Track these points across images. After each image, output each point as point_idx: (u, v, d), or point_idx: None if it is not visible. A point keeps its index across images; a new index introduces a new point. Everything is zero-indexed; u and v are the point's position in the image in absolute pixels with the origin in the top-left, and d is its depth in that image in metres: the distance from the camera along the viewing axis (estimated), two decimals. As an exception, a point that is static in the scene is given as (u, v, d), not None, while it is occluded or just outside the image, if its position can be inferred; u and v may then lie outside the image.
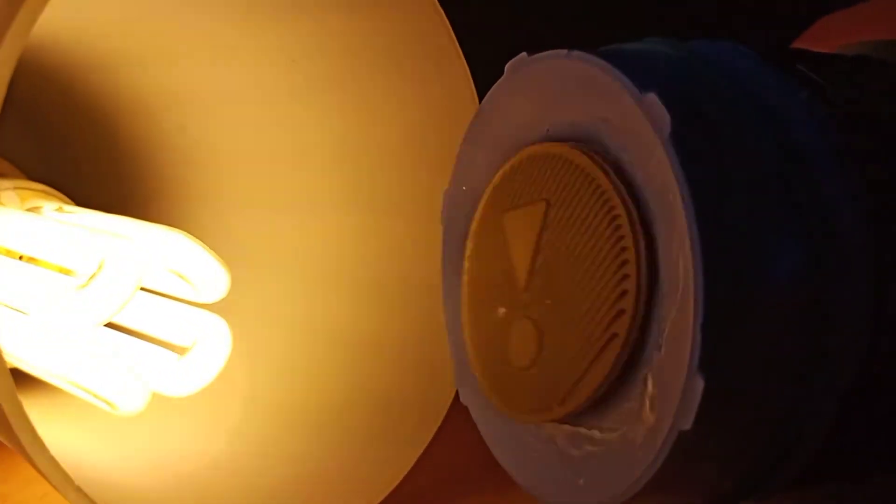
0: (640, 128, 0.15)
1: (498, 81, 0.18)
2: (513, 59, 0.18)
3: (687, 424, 0.14)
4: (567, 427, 0.17)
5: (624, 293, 0.15)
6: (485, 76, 0.21)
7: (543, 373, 0.16)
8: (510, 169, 0.18)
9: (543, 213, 0.17)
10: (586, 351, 0.16)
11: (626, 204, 0.15)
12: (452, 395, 0.25)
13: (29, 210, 0.26)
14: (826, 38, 0.23)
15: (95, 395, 0.23)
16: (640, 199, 0.15)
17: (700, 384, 0.14)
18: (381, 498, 0.24)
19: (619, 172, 0.16)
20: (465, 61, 0.24)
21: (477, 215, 0.18)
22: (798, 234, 0.15)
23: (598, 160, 0.16)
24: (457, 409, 0.25)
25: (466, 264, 0.19)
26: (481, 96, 0.19)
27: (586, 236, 0.16)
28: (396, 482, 0.25)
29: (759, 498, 0.16)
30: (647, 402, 0.15)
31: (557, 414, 0.16)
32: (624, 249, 0.15)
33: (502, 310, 0.17)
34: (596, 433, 0.16)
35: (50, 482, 0.19)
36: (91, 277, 0.22)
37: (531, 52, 0.17)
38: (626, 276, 0.15)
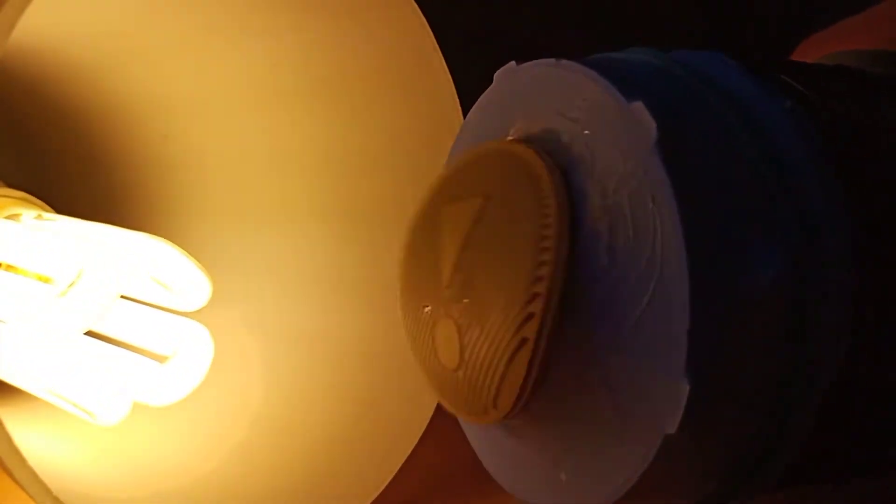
0: (624, 136, 0.15)
1: (487, 90, 0.18)
2: (501, 68, 0.18)
3: (672, 428, 0.14)
4: (542, 423, 0.16)
5: (535, 296, 0.15)
6: (468, 85, 0.21)
7: (469, 375, 0.16)
8: (462, 163, 0.17)
9: (479, 207, 0.16)
10: (500, 355, 0.15)
11: (561, 206, 0.15)
12: (436, 402, 0.25)
13: (8, 218, 0.26)
14: (808, 54, 0.23)
15: (75, 405, 0.23)
16: (585, 206, 0.15)
17: (685, 389, 0.14)
18: (367, 503, 0.24)
19: (566, 175, 0.15)
20: (447, 70, 0.24)
21: (419, 207, 0.18)
22: (781, 241, 0.15)
23: (545, 157, 0.16)
24: (441, 414, 0.25)
25: (401, 255, 0.18)
26: (465, 106, 0.19)
27: (513, 234, 0.15)
28: (381, 487, 0.25)
29: (743, 499, 0.17)
30: (622, 405, 0.15)
31: (495, 417, 0.16)
32: (545, 250, 0.15)
33: (427, 307, 0.17)
34: (570, 431, 0.16)
35: (27, 492, 0.19)
36: (70, 285, 0.22)
37: (518, 61, 0.17)
38: (539, 279, 0.15)
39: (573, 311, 0.15)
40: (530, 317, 0.15)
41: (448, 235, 0.17)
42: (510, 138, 0.17)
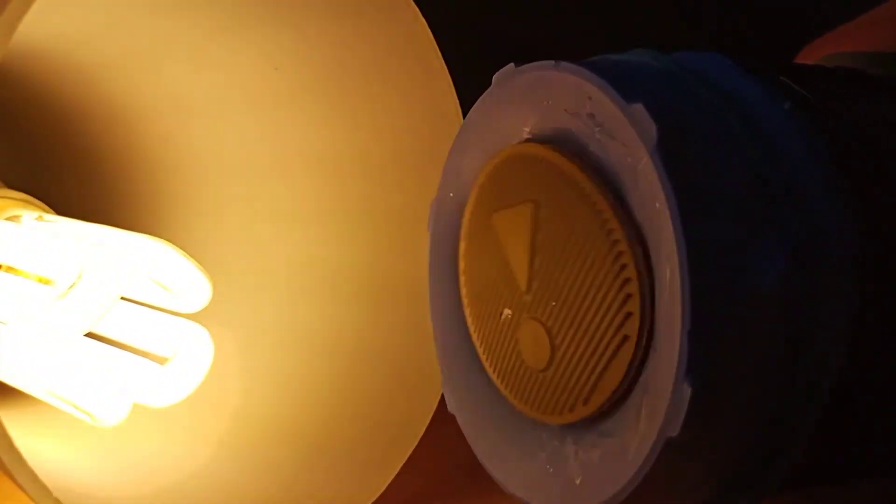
0: (626, 138, 0.15)
1: (486, 92, 0.18)
2: (500, 70, 0.18)
3: (675, 431, 0.14)
4: (577, 430, 0.17)
5: (629, 296, 0.15)
6: (468, 86, 0.21)
7: (561, 373, 0.17)
8: (493, 169, 0.18)
9: (533, 213, 0.17)
10: (600, 353, 0.16)
11: (615, 208, 0.15)
12: (436, 402, 0.25)
13: (8, 219, 0.26)
14: (808, 58, 0.23)
15: (75, 407, 0.23)
16: (626, 203, 0.15)
17: (687, 391, 0.14)
18: (367, 504, 0.24)
19: (601, 175, 0.16)
20: (447, 71, 0.24)
21: (466, 215, 0.19)
22: (782, 242, 0.15)
23: (578, 163, 0.16)
24: (439, 418, 0.25)
25: (462, 264, 0.19)
26: (464, 106, 0.19)
27: (580, 239, 0.16)
28: (379, 491, 0.25)
29: (746, 502, 0.17)
30: (643, 407, 0.15)
31: (582, 413, 0.16)
32: (621, 254, 0.15)
33: (507, 311, 0.18)
34: (596, 435, 0.16)
35: (27, 494, 0.19)
36: (70, 287, 0.22)
37: (517, 62, 0.17)
38: (627, 280, 0.15)
39: (653, 310, 0.15)
40: (629, 315, 0.15)
41: (509, 243, 0.17)
42: (526, 139, 0.17)
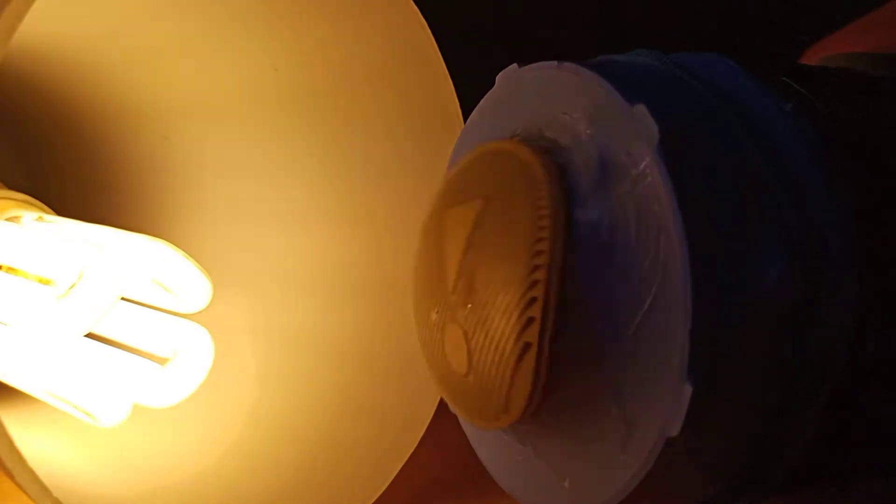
0: (626, 139, 0.15)
1: (489, 92, 0.18)
2: (503, 70, 0.18)
3: (674, 431, 0.14)
4: (546, 428, 0.16)
5: (533, 300, 0.15)
6: (470, 88, 0.21)
7: (479, 380, 0.16)
8: (464, 165, 0.17)
9: (479, 210, 0.16)
10: (507, 360, 0.15)
11: (556, 207, 0.15)
12: (436, 402, 0.25)
13: (8, 220, 0.26)
14: (811, 59, 0.23)
15: (76, 407, 0.23)
16: (585, 206, 0.15)
17: (688, 391, 0.14)
18: (367, 506, 0.24)
19: (566, 176, 0.15)
20: (448, 73, 0.24)
21: (427, 212, 0.18)
22: (784, 243, 0.15)
23: (544, 158, 0.15)
24: (441, 417, 0.25)
25: (413, 263, 0.18)
26: (464, 107, 0.19)
27: (510, 236, 0.15)
28: (381, 491, 0.24)
29: (746, 502, 0.17)
30: (625, 408, 0.15)
31: (505, 422, 0.16)
32: (540, 253, 0.15)
33: (435, 313, 0.17)
34: (574, 435, 0.16)
35: (27, 493, 0.19)
36: (70, 287, 0.22)
37: (521, 63, 0.17)
38: (535, 283, 0.15)
39: (575, 314, 0.15)
40: (531, 321, 0.15)
41: (451, 240, 0.17)
42: (509, 139, 0.17)
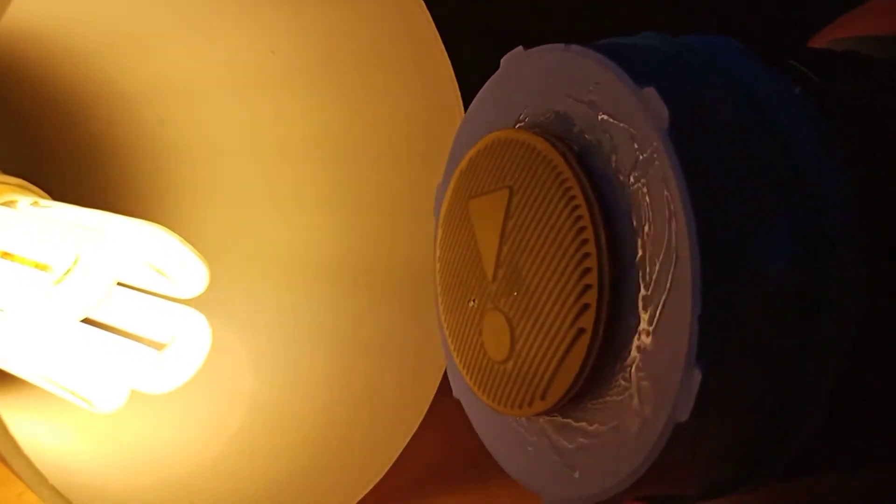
0: (634, 122, 0.15)
1: (493, 75, 0.18)
2: (508, 53, 0.18)
3: (684, 416, 0.14)
4: (558, 419, 0.16)
5: (587, 287, 0.15)
6: (469, 73, 0.20)
7: (520, 367, 0.16)
8: (476, 154, 0.17)
9: (507, 200, 0.16)
10: (556, 345, 0.16)
11: (588, 196, 0.15)
12: (435, 389, 0.25)
13: (4, 204, 0.26)
14: (818, 43, 0.23)
15: (72, 393, 0.23)
16: (607, 192, 0.15)
17: (698, 377, 0.14)
18: (364, 493, 0.24)
19: (584, 162, 0.15)
20: (447, 56, 0.24)
21: (445, 201, 0.18)
22: (792, 227, 0.15)
23: (559, 146, 0.16)
24: (440, 404, 0.25)
25: (438, 252, 0.18)
26: (465, 92, 0.19)
27: (547, 227, 0.16)
28: (379, 477, 0.24)
29: (752, 487, 0.16)
30: (637, 395, 0.15)
31: (540, 408, 0.16)
32: (585, 242, 0.15)
33: (473, 301, 0.17)
34: (585, 425, 0.16)
35: (23, 480, 0.18)
36: (66, 272, 0.22)
37: (526, 45, 0.17)
38: (587, 270, 0.15)
39: (619, 300, 0.15)
40: (585, 307, 0.15)
41: (482, 230, 0.17)
42: (519, 125, 0.17)
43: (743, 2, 0.36)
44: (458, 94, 0.24)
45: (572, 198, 0.15)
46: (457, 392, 0.19)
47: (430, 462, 0.26)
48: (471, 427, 0.19)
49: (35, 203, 0.26)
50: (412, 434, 0.25)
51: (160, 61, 0.27)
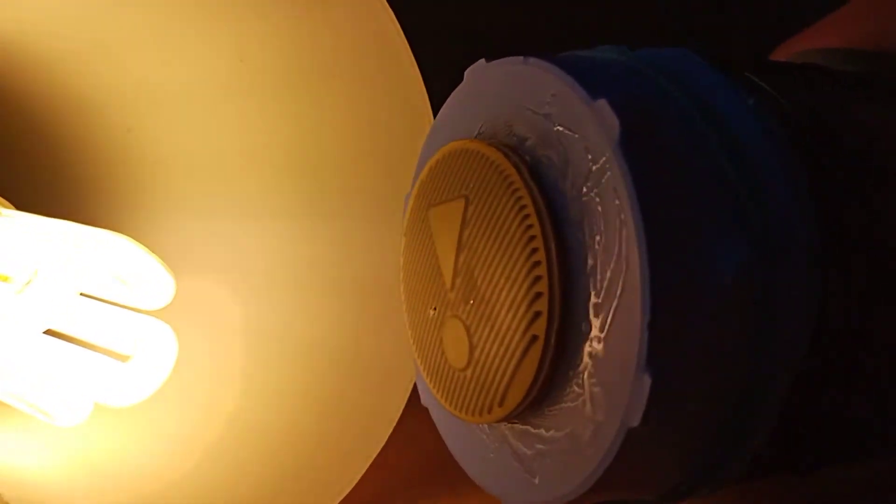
0: (588, 134, 0.15)
1: (457, 87, 0.18)
2: (472, 66, 0.18)
3: (635, 422, 0.14)
4: (517, 426, 0.17)
5: (539, 295, 0.15)
6: (440, 83, 0.20)
7: (478, 374, 0.17)
8: (435, 163, 0.18)
9: (463, 209, 0.17)
10: (511, 353, 0.16)
11: (539, 206, 0.15)
12: (405, 399, 0.25)
13: (-37, 214, 0.25)
14: (781, 55, 0.23)
15: (33, 407, 0.23)
16: (559, 203, 0.15)
17: (647, 382, 0.14)
18: (336, 503, 0.24)
19: (536, 173, 0.16)
20: (416, 65, 0.24)
21: (407, 211, 0.19)
22: (742, 234, 0.15)
23: (512, 157, 0.16)
24: (411, 413, 0.24)
25: (401, 261, 0.19)
26: (436, 103, 0.19)
27: (500, 236, 0.16)
28: (349, 488, 0.24)
29: (710, 491, 0.17)
30: (590, 401, 0.15)
31: (499, 415, 0.16)
32: (535, 251, 0.15)
33: (434, 309, 0.18)
34: (543, 431, 0.16)
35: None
36: (26, 284, 0.22)
37: (489, 58, 0.17)
38: (538, 278, 0.15)
39: (570, 307, 0.15)
40: (537, 315, 0.15)
41: (441, 239, 0.17)
42: (476, 136, 0.17)
43: (713, 9, 0.36)
44: (427, 103, 0.24)
45: (523, 207, 0.16)
46: (424, 400, 0.19)
47: (400, 471, 0.26)
48: (440, 435, 0.19)
49: (-3, 213, 0.26)
50: (383, 443, 0.25)
51: (127, 68, 0.27)
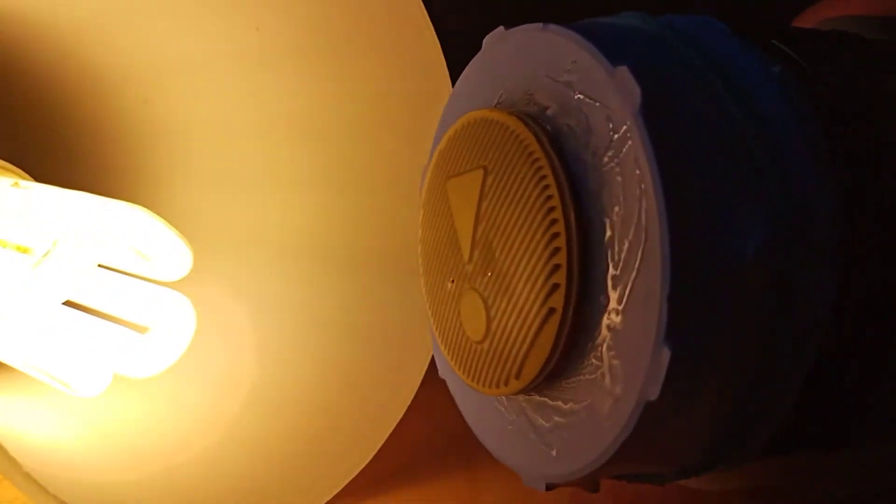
0: (609, 102, 0.15)
1: (476, 55, 0.18)
2: (490, 33, 0.18)
3: (654, 395, 0.14)
4: (535, 398, 0.17)
5: (557, 267, 0.15)
6: (459, 52, 0.20)
7: (495, 346, 0.16)
8: (454, 133, 0.18)
9: (482, 180, 0.17)
10: (528, 325, 0.16)
11: (559, 176, 0.15)
12: (423, 372, 0.25)
13: (-17, 186, 0.26)
14: (806, 22, 0.23)
15: (53, 377, 0.23)
16: (579, 172, 0.15)
17: (667, 355, 0.14)
18: (351, 477, 0.24)
19: (557, 143, 0.15)
20: (434, 33, 0.24)
21: (425, 182, 0.18)
22: (765, 207, 0.15)
23: (532, 126, 0.16)
24: (428, 386, 0.24)
25: (420, 233, 0.19)
26: (454, 71, 0.19)
27: (519, 207, 0.16)
28: (366, 461, 0.24)
29: (727, 467, 0.16)
30: (608, 373, 0.15)
31: (516, 387, 0.16)
32: (554, 222, 0.15)
33: (452, 281, 0.17)
34: (561, 404, 0.16)
35: (11, 481, 0.18)
36: (45, 255, 0.22)
37: (507, 25, 0.17)
38: (557, 250, 0.15)
39: (588, 280, 0.15)
40: (555, 287, 0.15)
41: (459, 210, 0.17)
42: (495, 105, 0.17)
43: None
44: (446, 72, 0.24)
45: (543, 177, 0.15)
46: (442, 372, 0.19)
47: (416, 443, 0.26)
48: (456, 408, 0.19)
49: (15, 184, 0.26)
50: (401, 416, 0.25)
51: (142, 39, 0.27)
